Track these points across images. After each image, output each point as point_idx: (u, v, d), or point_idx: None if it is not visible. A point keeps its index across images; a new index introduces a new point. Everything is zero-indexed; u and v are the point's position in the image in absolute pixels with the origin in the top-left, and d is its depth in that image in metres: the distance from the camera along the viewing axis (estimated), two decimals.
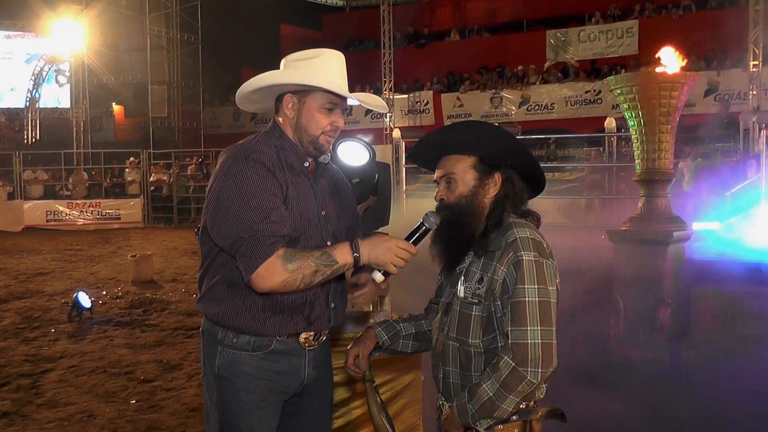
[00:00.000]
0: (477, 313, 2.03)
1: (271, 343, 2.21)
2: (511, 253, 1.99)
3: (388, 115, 20.65)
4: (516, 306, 1.96)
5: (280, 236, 2.06)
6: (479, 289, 2.03)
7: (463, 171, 2.11)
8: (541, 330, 1.93)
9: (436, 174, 2.18)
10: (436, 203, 2.16)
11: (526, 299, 1.95)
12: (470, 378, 2.05)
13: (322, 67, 2.19)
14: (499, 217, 2.08)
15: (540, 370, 1.92)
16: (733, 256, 6.27)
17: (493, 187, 2.10)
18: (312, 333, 2.27)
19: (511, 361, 1.92)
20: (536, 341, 1.92)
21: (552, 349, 1.94)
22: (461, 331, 2.07)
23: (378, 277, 2.11)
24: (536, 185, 2.20)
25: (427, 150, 2.23)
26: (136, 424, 4.60)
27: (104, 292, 9.18)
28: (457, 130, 2.18)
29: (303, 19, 25.97)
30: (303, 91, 2.20)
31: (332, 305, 2.30)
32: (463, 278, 2.10)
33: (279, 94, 2.24)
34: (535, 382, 1.92)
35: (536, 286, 1.96)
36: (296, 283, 2.04)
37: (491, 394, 1.94)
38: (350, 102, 2.29)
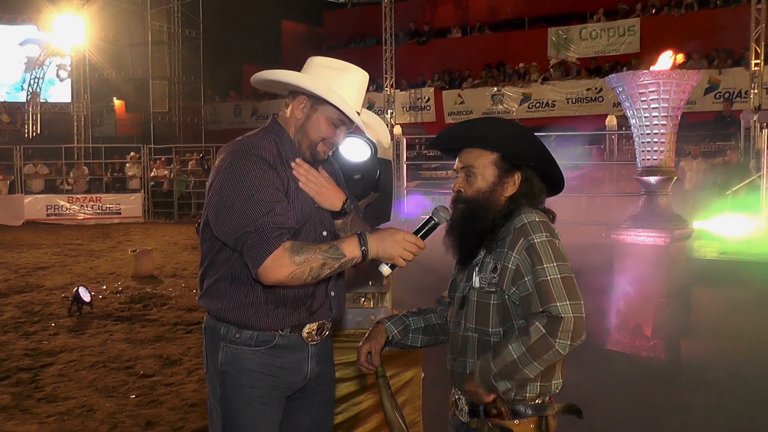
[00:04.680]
0: (494, 302, 2.04)
1: (274, 338, 2.21)
2: (522, 238, 1.99)
3: (389, 111, 20.66)
4: (540, 286, 1.94)
5: (285, 229, 2.06)
6: (494, 278, 2.03)
7: (484, 166, 2.10)
8: (570, 304, 1.91)
9: (457, 164, 2.18)
10: (453, 194, 2.16)
11: (548, 278, 1.93)
12: None
13: (344, 84, 2.19)
14: (509, 212, 2.08)
15: (569, 343, 1.89)
16: (734, 255, 6.27)
17: (512, 186, 2.10)
18: (315, 326, 2.27)
19: (542, 328, 1.90)
20: (569, 315, 1.89)
21: (582, 323, 1.92)
22: (480, 321, 2.07)
23: (385, 270, 2.11)
24: (555, 186, 2.20)
25: (450, 142, 2.23)
26: (135, 418, 4.60)
27: (104, 287, 9.18)
28: (483, 126, 2.19)
29: (304, 16, 26.00)
30: (319, 99, 2.19)
31: (332, 293, 2.30)
32: (477, 269, 2.09)
33: (295, 91, 2.24)
34: (562, 353, 1.90)
35: (554, 264, 1.95)
36: (304, 276, 2.03)
37: (516, 356, 1.92)
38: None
